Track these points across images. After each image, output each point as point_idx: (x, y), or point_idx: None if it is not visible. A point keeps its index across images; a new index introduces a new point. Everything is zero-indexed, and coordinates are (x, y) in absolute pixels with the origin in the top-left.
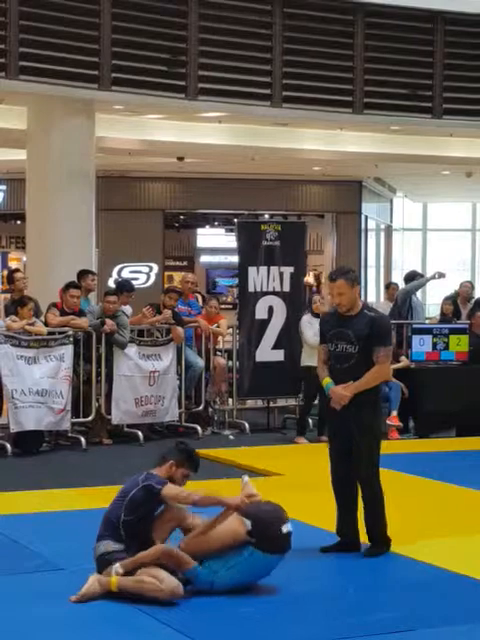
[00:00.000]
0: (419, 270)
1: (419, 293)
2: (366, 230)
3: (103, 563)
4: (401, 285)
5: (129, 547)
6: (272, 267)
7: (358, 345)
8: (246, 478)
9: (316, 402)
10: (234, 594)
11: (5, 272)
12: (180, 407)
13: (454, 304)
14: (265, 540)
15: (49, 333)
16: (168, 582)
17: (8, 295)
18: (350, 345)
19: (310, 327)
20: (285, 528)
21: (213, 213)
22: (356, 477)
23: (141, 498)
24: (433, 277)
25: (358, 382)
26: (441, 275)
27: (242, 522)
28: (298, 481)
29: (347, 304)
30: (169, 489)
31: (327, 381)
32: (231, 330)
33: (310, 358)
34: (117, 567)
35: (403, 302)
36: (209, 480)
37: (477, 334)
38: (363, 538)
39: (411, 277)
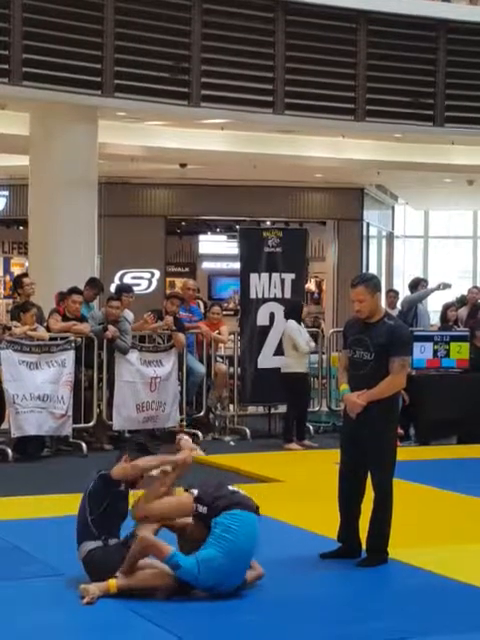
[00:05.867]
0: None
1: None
2: (368, 237)
3: (88, 564)
4: (402, 292)
5: (106, 541)
6: (273, 274)
7: (374, 353)
8: (184, 436)
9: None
10: (234, 600)
11: (7, 277)
12: (181, 413)
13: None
14: (219, 500)
15: (51, 338)
16: (168, 580)
17: (11, 301)
18: (367, 352)
19: (300, 334)
20: (231, 487)
21: (215, 220)
22: (364, 484)
23: (99, 489)
24: (437, 288)
25: (371, 391)
26: (446, 286)
27: (188, 493)
28: (298, 488)
29: (367, 311)
30: (116, 468)
31: (344, 388)
32: (232, 336)
33: (297, 364)
34: (118, 578)
35: (408, 310)
36: None
37: (477, 346)
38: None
39: (416, 283)
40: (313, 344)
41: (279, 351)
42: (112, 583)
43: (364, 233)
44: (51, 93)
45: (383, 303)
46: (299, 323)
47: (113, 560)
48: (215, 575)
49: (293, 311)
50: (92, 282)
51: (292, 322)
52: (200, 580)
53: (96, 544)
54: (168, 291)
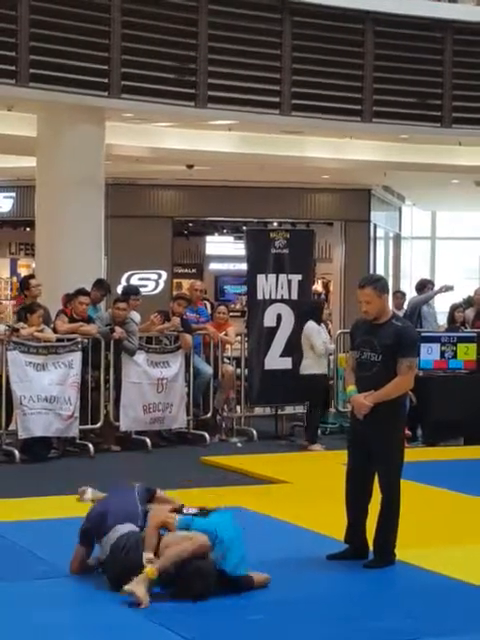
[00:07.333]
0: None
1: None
2: (375, 238)
3: (118, 548)
4: (410, 294)
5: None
6: (280, 275)
7: (382, 354)
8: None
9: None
10: (242, 600)
11: (14, 279)
12: (188, 414)
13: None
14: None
15: (58, 340)
16: (197, 537)
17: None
18: (374, 353)
19: (318, 336)
20: None
21: (222, 221)
22: (371, 486)
23: (143, 495)
24: (440, 291)
25: (378, 392)
26: (448, 288)
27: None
28: (305, 489)
29: (374, 312)
30: (155, 517)
31: (351, 389)
32: (239, 337)
33: (315, 366)
34: (148, 558)
35: (412, 312)
36: (216, 488)
37: None
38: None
39: (422, 285)
40: (332, 346)
41: (286, 352)
42: (150, 571)
43: (371, 234)
44: (58, 94)
45: (390, 304)
46: (318, 324)
47: (138, 554)
48: (227, 526)
49: (312, 312)
50: (99, 283)
51: (311, 323)
52: (219, 528)
53: (135, 528)
54: (175, 292)
